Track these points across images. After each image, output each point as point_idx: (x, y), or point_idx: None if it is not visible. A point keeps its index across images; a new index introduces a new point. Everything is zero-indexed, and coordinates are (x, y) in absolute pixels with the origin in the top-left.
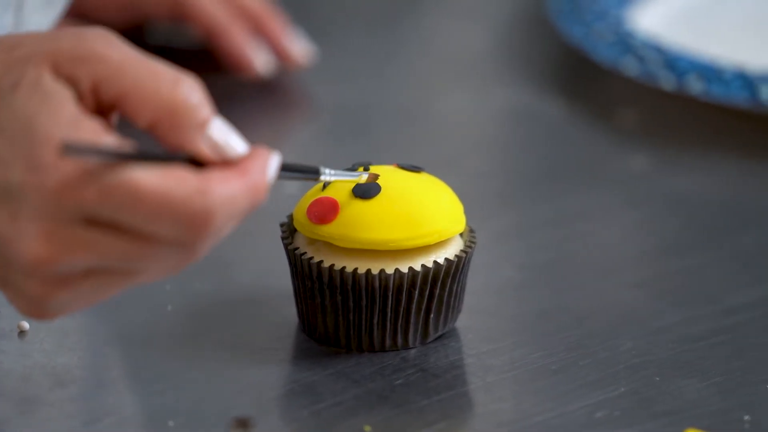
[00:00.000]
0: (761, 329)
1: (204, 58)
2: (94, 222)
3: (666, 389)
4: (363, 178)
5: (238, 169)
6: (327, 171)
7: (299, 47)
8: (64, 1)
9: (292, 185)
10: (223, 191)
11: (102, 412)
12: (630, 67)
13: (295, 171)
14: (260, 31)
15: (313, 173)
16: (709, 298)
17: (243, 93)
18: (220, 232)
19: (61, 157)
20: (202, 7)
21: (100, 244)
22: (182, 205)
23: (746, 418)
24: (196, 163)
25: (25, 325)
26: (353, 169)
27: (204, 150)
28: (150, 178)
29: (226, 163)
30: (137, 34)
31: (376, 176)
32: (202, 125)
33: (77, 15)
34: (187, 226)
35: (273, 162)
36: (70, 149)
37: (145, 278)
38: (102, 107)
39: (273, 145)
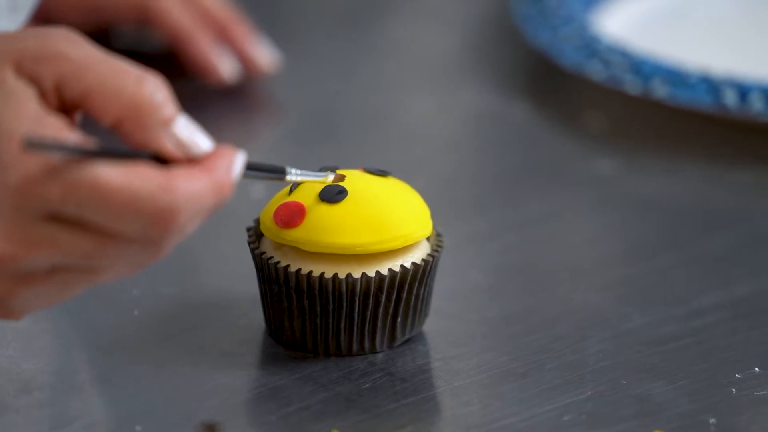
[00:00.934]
0: (727, 332)
1: (169, 63)
2: (58, 219)
3: (633, 392)
4: (329, 178)
5: (203, 166)
6: (293, 171)
7: (264, 54)
8: (30, 7)
9: (259, 189)
10: (188, 188)
11: (69, 417)
12: (596, 71)
13: (261, 170)
14: (225, 38)
15: (278, 173)
16: (676, 300)
17: (209, 98)
18: (184, 230)
19: (24, 154)
20: (167, 12)
21: (64, 241)
22: (147, 202)
23: (712, 420)
24: (161, 161)
25: None
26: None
27: (169, 147)
28: (114, 174)
29: (191, 160)
30: (102, 38)
31: (343, 177)
32: (167, 123)
33: (42, 19)
34: (151, 222)
35: (238, 160)
36: (33, 144)
37: (110, 276)
38: (66, 106)
39: (239, 148)
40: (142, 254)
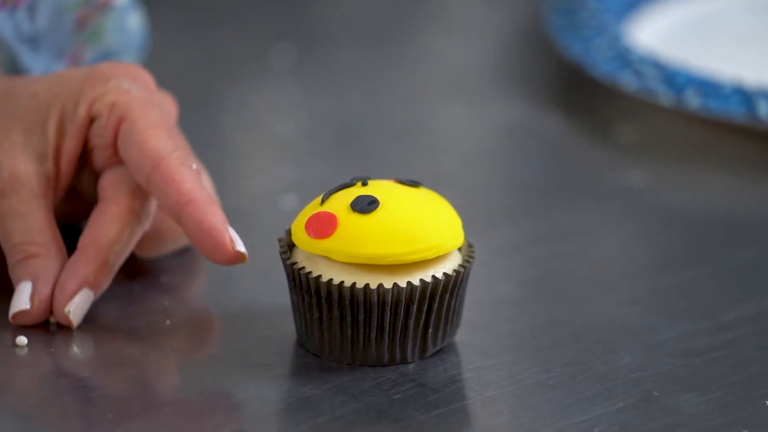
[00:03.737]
0: (758, 344)
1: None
2: None
3: (665, 404)
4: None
5: None
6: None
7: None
8: None
9: (290, 200)
10: None
11: (98, 428)
12: (628, 82)
13: None
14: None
15: None
16: (707, 313)
17: (242, 106)
18: None
19: None
20: None
21: None
22: None
23: None
24: None
25: (23, 340)
26: (351, 183)
27: None
28: None
29: None
30: None
31: None
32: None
33: None
34: None
35: None
36: None
37: None
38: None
39: (271, 159)
40: None
